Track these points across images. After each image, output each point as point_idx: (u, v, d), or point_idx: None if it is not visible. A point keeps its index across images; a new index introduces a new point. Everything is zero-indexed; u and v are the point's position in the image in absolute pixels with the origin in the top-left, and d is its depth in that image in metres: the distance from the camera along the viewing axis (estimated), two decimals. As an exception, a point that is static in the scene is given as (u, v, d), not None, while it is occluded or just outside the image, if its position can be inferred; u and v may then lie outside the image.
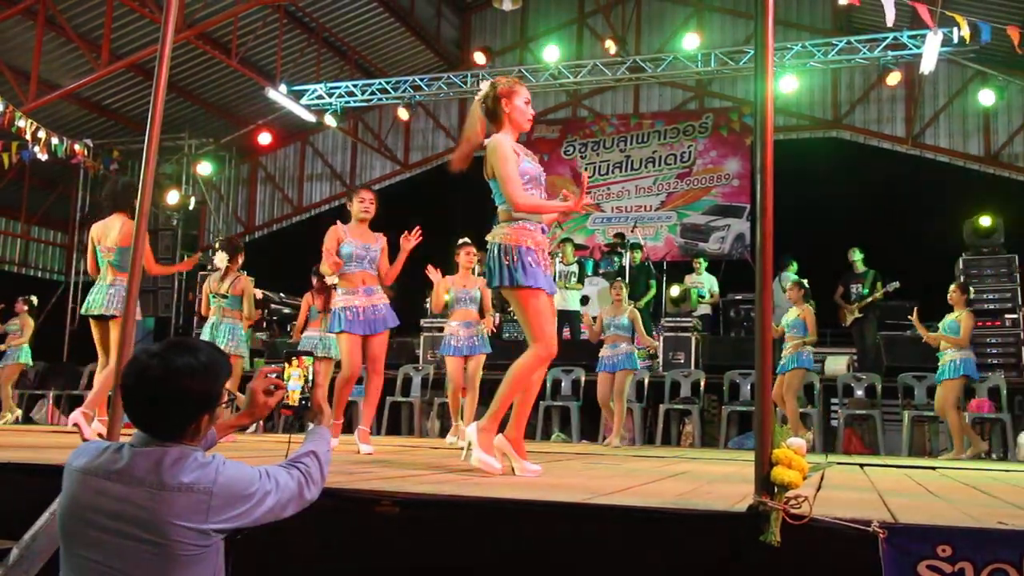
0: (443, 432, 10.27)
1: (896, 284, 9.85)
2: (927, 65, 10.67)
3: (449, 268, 7.34)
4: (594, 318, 8.62)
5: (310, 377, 2.46)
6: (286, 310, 12.95)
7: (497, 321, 11.45)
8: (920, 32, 10.70)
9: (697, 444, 9.34)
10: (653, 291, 11.49)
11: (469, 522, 2.47)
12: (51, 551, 2.51)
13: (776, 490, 2.16)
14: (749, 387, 9.40)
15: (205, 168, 15.35)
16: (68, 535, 1.96)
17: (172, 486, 1.90)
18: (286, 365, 2.46)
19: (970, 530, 2.07)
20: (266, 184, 17.61)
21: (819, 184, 12.47)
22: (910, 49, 11.28)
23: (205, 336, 6.96)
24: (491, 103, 3.79)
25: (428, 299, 11.79)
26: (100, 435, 5.37)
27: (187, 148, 15.31)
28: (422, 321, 11.26)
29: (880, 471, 5.07)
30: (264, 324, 12.27)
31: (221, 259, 7.23)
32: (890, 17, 6.75)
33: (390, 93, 13.84)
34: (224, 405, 2.11)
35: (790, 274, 10.89)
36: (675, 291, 11.56)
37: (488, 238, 3.79)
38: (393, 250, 5.66)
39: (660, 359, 10.58)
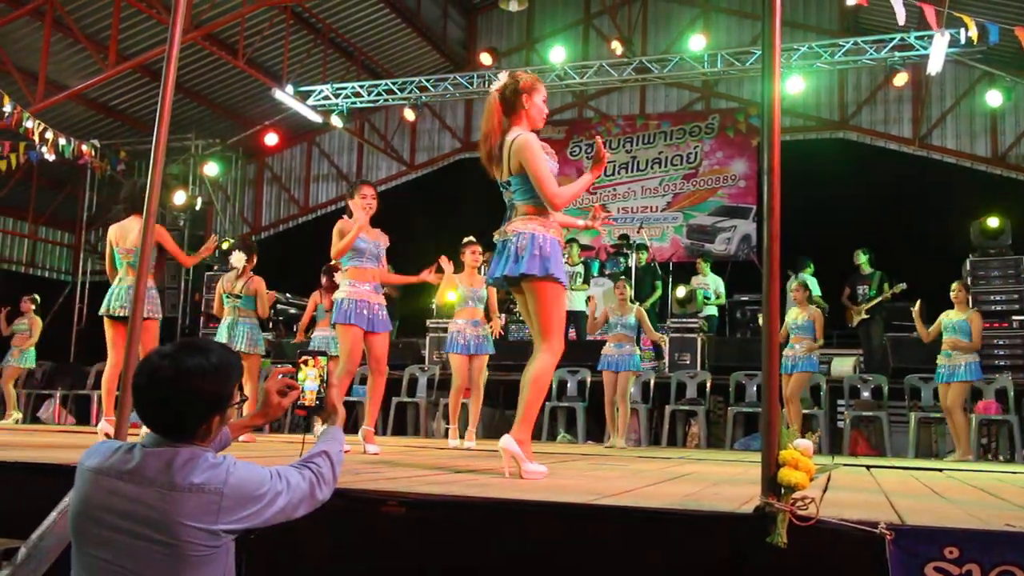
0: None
1: (903, 285, 9.82)
2: (934, 66, 10.65)
3: (455, 268, 7.34)
4: (595, 316, 8.57)
5: (325, 377, 2.46)
6: (292, 310, 12.97)
7: (503, 322, 11.47)
8: (927, 33, 10.68)
9: (703, 445, 9.33)
10: (659, 292, 11.48)
11: (475, 523, 2.47)
12: (59, 550, 2.51)
13: (783, 491, 2.16)
14: (755, 388, 9.39)
15: (212, 169, 15.39)
16: (79, 534, 1.97)
17: (183, 486, 1.90)
18: (301, 365, 2.46)
19: (977, 532, 2.06)
20: (272, 185, 17.64)
21: (826, 185, 12.44)
22: (917, 50, 11.25)
23: (221, 336, 6.98)
24: (511, 95, 3.77)
25: (434, 299, 11.83)
26: (107, 435, 5.41)
27: (194, 149, 15.35)
28: (428, 322, 11.28)
29: (887, 473, 5.06)
30: (271, 324, 12.29)
31: (239, 259, 7.23)
32: (901, 17, 6.73)
33: (396, 94, 13.85)
34: (235, 405, 2.11)
35: (806, 275, 10.90)
36: (681, 292, 11.55)
37: (511, 229, 3.72)
38: (397, 253, 5.68)
39: (666, 360, 10.57)
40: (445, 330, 10.81)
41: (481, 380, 7.11)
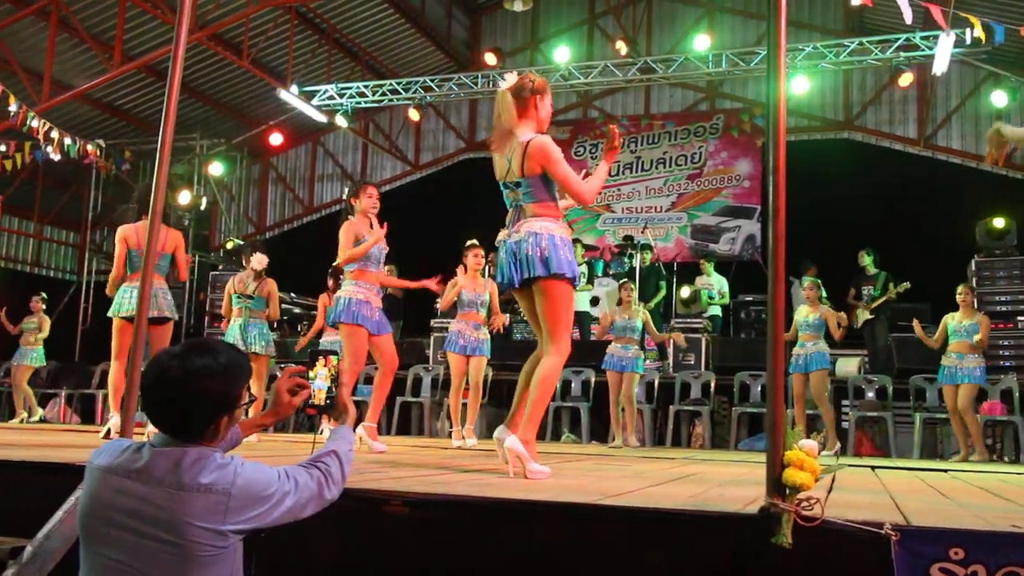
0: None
1: (907, 285, 9.81)
2: (939, 66, 10.63)
3: (456, 266, 7.36)
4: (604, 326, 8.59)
5: (336, 376, 2.46)
6: (296, 310, 13.00)
7: (507, 322, 11.48)
8: (932, 33, 10.66)
9: (707, 446, 9.33)
10: (663, 292, 11.48)
11: (479, 523, 2.47)
12: (64, 550, 2.52)
13: (788, 492, 2.15)
14: (760, 388, 9.38)
15: (217, 168, 15.40)
16: (88, 532, 1.97)
17: (191, 487, 1.91)
18: (317, 364, 2.47)
19: (983, 533, 2.06)
20: (277, 184, 17.66)
21: (830, 185, 12.43)
22: (922, 50, 11.23)
23: (233, 337, 6.99)
24: (527, 94, 3.79)
25: (438, 300, 11.83)
26: (111, 429, 5.43)
27: (199, 149, 15.36)
28: (432, 322, 11.29)
29: (891, 473, 5.05)
30: (275, 324, 12.29)
31: (260, 261, 7.24)
32: (907, 16, 6.72)
33: (401, 94, 13.86)
34: (244, 406, 2.11)
35: (809, 279, 10.89)
36: (685, 292, 11.55)
37: (525, 229, 3.70)
38: (401, 254, 5.71)
39: (670, 360, 10.57)
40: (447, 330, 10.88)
41: (479, 380, 7.14)
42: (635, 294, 8.52)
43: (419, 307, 12.03)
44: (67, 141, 11.52)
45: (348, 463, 2.27)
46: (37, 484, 2.96)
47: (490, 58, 13.59)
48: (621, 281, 9.09)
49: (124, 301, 5.84)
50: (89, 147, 12.18)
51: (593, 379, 9.78)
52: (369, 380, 10.07)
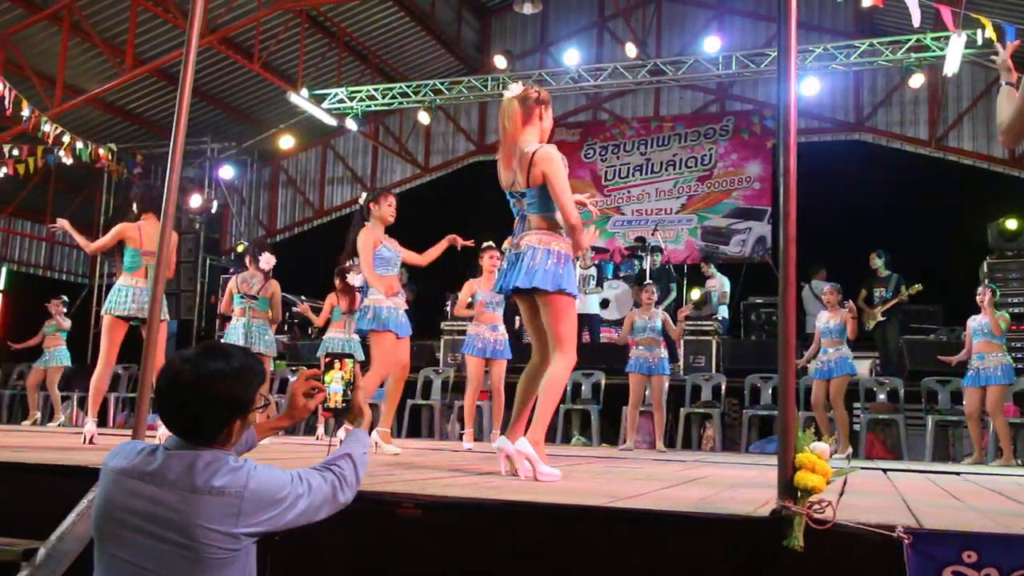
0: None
1: (919, 287, 9.76)
2: (950, 67, 10.59)
3: (468, 271, 7.37)
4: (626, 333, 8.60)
5: (352, 379, 2.46)
6: (307, 313, 13.00)
7: (517, 325, 11.48)
8: (943, 34, 10.62)
9: (718, 448, 9.30)
10: (674, 294, 11.46)
11: (490, 525, 2.48)
12: (78, 552, 2.53)
13: (799, 495, 2.15)
14: (771, 391, 9.35)
15: (227, 172, 15.46)
16: (101, 533, 1.98)
17: (203, 489, 1.91)
18: (334, 368, 2.47)
19: (996, 536, 2.05)
20: (287, 187, 17.72)
21: (841, 187, 12.38)
22: (933, 51, 11.19)
23: (236, 336, 7.01)
24: (532, 104, 3.83)
25: (448, 302, 11.85)
26: (92, 438, 5.39)
27: (210, 152, 15.42)
28: (442, 324, 11.30)
29: (904, 476, 5.03)
30: (286, 327, 12.33)
31: (269, 260, 7.27)
32: (916, 19, 6.69)
33: (411, 97, 13.88)
34: (259, 409, 2.12)
35: (821, 282, 10.88)
36: (696, 294, 11.53)
37: (525, 242, 3.78)
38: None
39: (681, 362, 10.55)
40: (460, 332, 10.89)
41: (500, 384, 7.12)
42: (656, 295, 8.53)
43: (429, 310, 12.04)
44: (79, 145, 11.57)
45: (362, 466, 2.27)
46: (50, 486, 2.98)
47: (500, 61, 13.60)
48: (645, 283, 9.10)
49: (119, 299, 5.67)
50: (101, 151, 12.23)
51: (603, 382, 9.76)
52: (380, 384, 10.09)
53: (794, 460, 2.21)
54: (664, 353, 8.37)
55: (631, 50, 12.56)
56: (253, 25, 12.20)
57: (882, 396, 9.20)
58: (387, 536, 2.51)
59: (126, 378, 11.67)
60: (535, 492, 2.84)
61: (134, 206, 5.96)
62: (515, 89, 3.89)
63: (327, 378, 2.45)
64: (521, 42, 16.09)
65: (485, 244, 7.22)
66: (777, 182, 2.46)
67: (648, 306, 8.43)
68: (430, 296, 11.97)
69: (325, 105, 13.78)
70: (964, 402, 8.06)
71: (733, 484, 3.66)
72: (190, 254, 14.25)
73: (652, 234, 13.06)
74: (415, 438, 9.89)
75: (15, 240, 15.49)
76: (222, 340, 7.74)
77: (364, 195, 5.86)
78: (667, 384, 8.49)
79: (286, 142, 15.15)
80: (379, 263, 5.58)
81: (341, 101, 13.84)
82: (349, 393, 2.45)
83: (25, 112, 10.40)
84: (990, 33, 8.88)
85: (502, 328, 7.20)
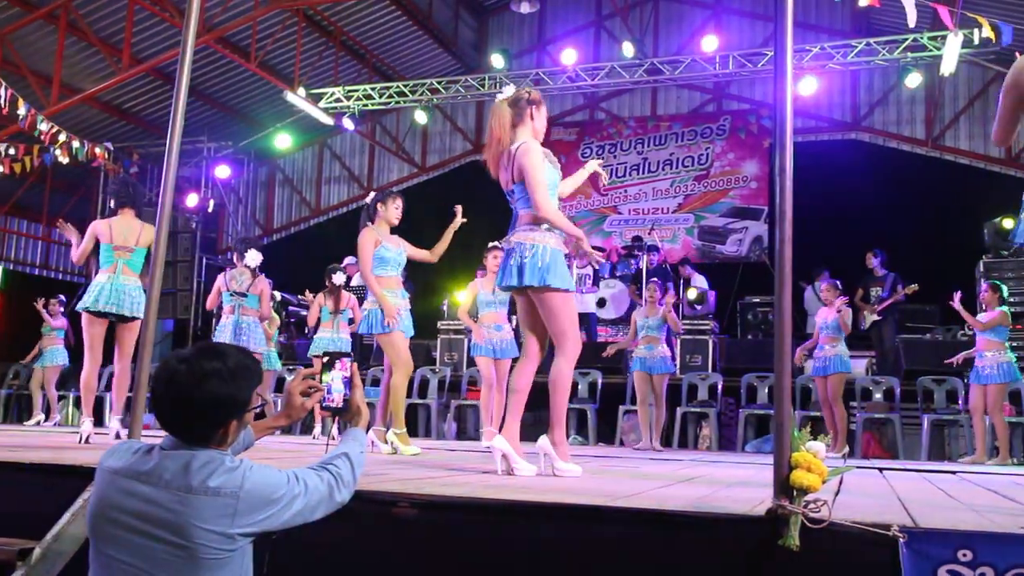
0: (460, 435, 10.31)
1: (915, 286, 9.78)
2: (947, 67, 10.60)
3: (467, 270, 7.39)
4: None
5: (350, 378, 2.46)
6: (304, 312, 13.00)
7: (515, 324, 11.47)
8: (940, 33, 10.63)
9: (714, 447, 9.31)
10: (670, 293, 11.46)
11: (487, 524, 2.48)
12: (73, 551, 2.53)
13: (795, 494, 2.15)
14: (767, 390, 9.36)
15: (224, 171, 15.44)
16: (96, 533, 1.98)
17: (199, 490, 1.91)
18: (333, 367, 2.47)
19: (991, 535, 2.05)
20: (284, 187, 17.70)
21: (838, 186, 12.41)
22: (930, 51, 11.20)
23: (225, 333, 7.02)
24: (522, 105, 3.88)
25: (445, 302, 11.86)
26: (88, 437, 5.38)
27: (206, 151, 15.39)
28: (439, 324, 11.30)
29: (899, 475, 5.04)
30: (281, 326, 12.31)
31: (255, 257, 7.28)
32: (912, 18, 6.71)
33: (408, 96, 13.87)
34: (254, 410, 2.11)
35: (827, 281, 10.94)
36: (692, 294, 11.53)
37: (514, 239, 3.84)
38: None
39: (677, 362, 10.56)
40: (457, 332, 10.91)
41: (505, 383, 7.14)
42: (658, 295, 8.55)
43: (426, 309, 12.04)
44: (75, 144, 11.55)
45: (360, 466, 2.27)
46: (46, 486, 2.97)
47: (497, 60, 13.59)
48: (648, 282, 9.13)
49: (90, 295, 5.58)
50: (97, 150, 12.22)
51: (600, 381, 9.77)
52: (376, 383, 10.10)
53: (790, 459, 2.22)
54: (665, 351, 8.39)
55: (628, 49, 12.56)
56: (250, 24, 12.19)
57: (878, 395, 9.22)
58: (383, 536, 2.51)
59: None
60: (532, 491, 2.84)
61: (111, 202, 5.90)
62: (507, 92, 3.95)
63: (325, 377, 2.45)
64: (518, 41, 16.08)
65: (490, 245, 7.25)
66: (774, 181, 2.47)
67: (652, 304, 8.45)
68: (427, 296, 11.97)
69: (322, 104, 13.76)
70: (970, 400, 8.03)
71: (729, 483, 3.67)
72: (186, 253, 14.21)
73: (649, 233, 13.07)
74: (412, 437, 9.88)
75: (11, 239, 15.45)
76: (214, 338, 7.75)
77: (372, 195, 5.88)
78: (667, 381, 8.49)
79: (283, 141, 15.14)
80: (377, 263, 5.59)
81: (338, 100, 13.82)
82: (347, 392, 2.45)
83: (21, 111, 10.38)
84: (987, 32, 8.91)
85: (506, 327, 7.22)
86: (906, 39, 11.35)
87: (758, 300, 12.02)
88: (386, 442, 5.49)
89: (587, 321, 11.09)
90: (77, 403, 11.87)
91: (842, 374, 8.18)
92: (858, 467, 5.51)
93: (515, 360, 7.24)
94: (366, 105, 13.99)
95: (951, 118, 13.76)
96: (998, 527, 2.21)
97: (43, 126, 10.77)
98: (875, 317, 10.03)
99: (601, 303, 11.72)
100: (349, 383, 2.45)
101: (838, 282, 8.51)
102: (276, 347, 9.42)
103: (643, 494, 2.92)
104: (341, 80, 14.27)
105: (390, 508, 2.50)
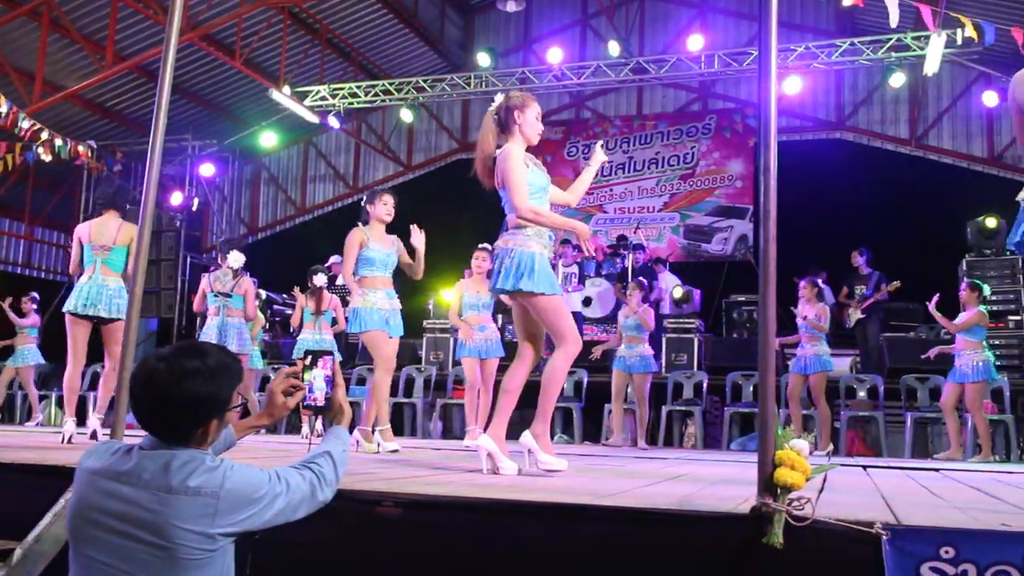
0: (446, 434, 10.30)
1: (897, 284, 9.84)
2: (931, 66, 10.66)
3: (453, 269, 7.39)
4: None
5: (332, 376, 2.45)
6: (289, 311, 12.97)
7: (500, 323, 11.47)
8: (924, 33, 10.69)
9: (699, 445, 9.34)
10: (656, 292, 11.49)
11: (471, 523, 2.47)
12: (54, 552, 2.51)
13: (779, 492, 2.16)
14: (752, 388, 9.40)
15: (208, 169, 15.37)
16: (76, 534, 1.96)
17: (179, 490, 1.90)
18: (315, 366, 2.46)
19: (973, 532, 2.07)
20: (269, 185, 17.64)
21: (823, 185, 12.47)
22: (914, 51, 11.26)
23: (210, 335, 6.99)
24: (504, 114, 3.90)
25: (431, 301, 11.85)
26: (71, 437, 5.36)
27: (191, 149, 15.32)
28: (424, 323, 11.29)
29: (883, 473, 5.06)
30: (267, 326, 12.28)
31: (237, 258, 7.27)
32: (894, 18, 6.75)
33: (393, 94, 13.85)
34: (234, 409, 2.10)
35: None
36: (678, 292, 11.56)
37: (499, 244, 3.88)
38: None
39: (663, 360, 10.59)
40: (443, 331, 10.91)
41: (491, 383, 7.14)
42: (640, 294, 8.55)
43: (412, 308, 12.02)
44: (58, 142, 11.47)
45: (342, 464, 2.26)
46: (27, 486, 2.95)
47: (483, 58, 13.57)
48: (615, 282, 9.15)
49: (72, 297, 5.60)
50: (80, 148, 12.13)
51: (586, 380, 9.78)
52: (361, 382, 10.09)
53: (774, 457, 2.22)
54: (646, 350, 8.42)
55: (614, 48, 12.57)
56: (235, 21, 12.13)
57: (862, 393, 9.26)
58: (368, 535, 2.51)
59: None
60: (517, 490, 2.84)
61: (95, 205, 5.96)
62: (496, 101, 3.97)
63: (307, 376, 2.44)
64: (504, 40, 16.08)
65: (479, 246, 7.25)
66: (758, 180, 2.47)
67: (636, 304, 8.47)
68: (412, 294, 11.94)
69: (307, 102, 13.72)
70: (942, 397, 8.09)
71: (714, 481, 3.68)
72: (171, 252, 14.12)
73: (634, 232, 13.10)
74: (397, 436, 9.87)
75: (-7, 238, 15.35)
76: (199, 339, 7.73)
77: (364, 196, 5.92)
78: (648, 380, 8.50)
79: (268, 140, 15.09)
80: (364, 264, 5.61)
81: (323, 98, 13.78)
82: (329, 391, 2.44)
83: (3, 108, 10.29)
84: (970, 32, 8.97)
85: (490, 327, 7.22)
86: (890, 39, 11.41)
87: (743, 299, 12.06)
88: (371, 441, 5.48)
89: (576, 320, 11.09)
90: (60, 403, 11.79)
91: (823, 373, 8.22)
92: (842, 465, 5.53)
93: (502, 360, 7.31)
94: (351, 103, 13.95)
95: (935, 118, 13.85)
96: (980, 524, 2.23)
97: (25, 124, 10.68)
98: (859, 315, 10.08)
99: (587, 302, 11.73)
100: (331, 382, 2.44)
101: (817, 279, 8.55)
102: (260, 346, 9.39)
103: (628, 492, 2.93)
104: (326, 78, 14.23)
105: (374, 507, 2.49)
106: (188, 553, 1.88)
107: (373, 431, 5.60)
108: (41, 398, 12.01)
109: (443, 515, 2.51)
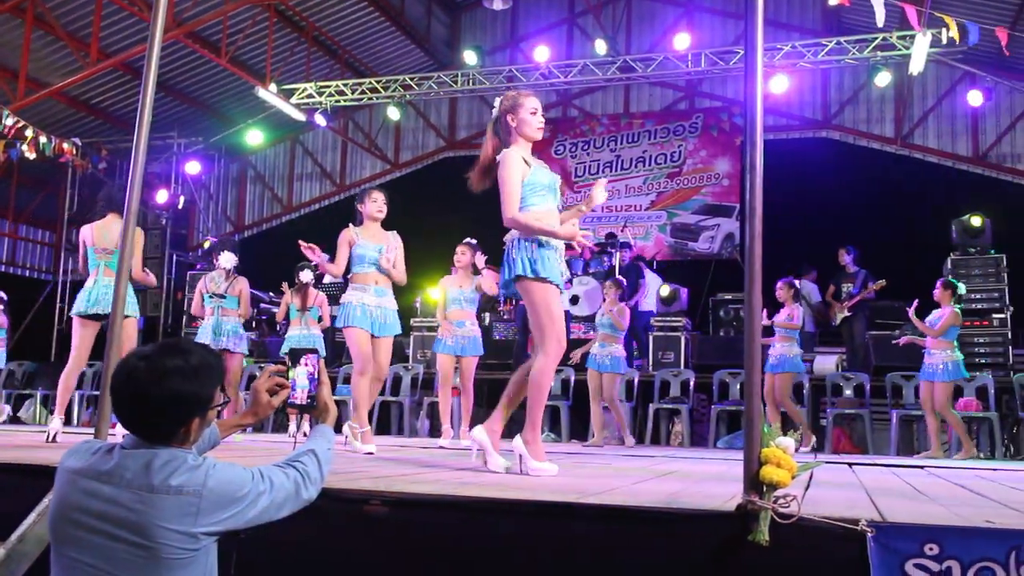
0: (433, 432, 10.27)
1: (882, 282, 9.89)
2: (916, 66, 10.72)
3: (440, 267, 7.38)
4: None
5: (317, 375, 2.45)
6: (275, 309, 12.93)
7: (487, 321, 11.47)
8: (909, 33, 10.74)
9: (686, 443, 9.36)
10: (643, 291, 11.50)
11: (458, 522, 2.47)
12: (38, 552, 2.50)
13: (765, 489, 2.16)
14: (738, 387, 9.42)
15: (194, 167, 15.29)
16: (57, 535, 1.95)
17: (161, 489, 1.88)
18: (299, 364, 2.45)
19: (957, 528, 2.08)
20: (256, 183, 17.57)
21: (809, 184, 12.51)
22: (899, 50, 11.31)
23: (205, 336, 7.00)
24: (499, 124, 3.91)
25: (418, 299, 11.83)
26: (55, 435, 5.38)
27: (176, 147, 15.25)
28: (412, 321, 11.28)
29: (869, 470, 5.09)
30: (253, 324, 12.24)
31: (229, 259, 7.27)
32: (880, 18, 6.78)
33: (380, 92, 13.81)
34: (217, 407, 2.09)
35: (807, 282, 11.15)
36: (665, 291, 11.58)
37: (506, 238, 3.88)
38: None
39: (650, 358, 10.61)
40: (430, 329, 10.89)
41: (467, 381, 7.12)
42: (616, 292, 8.52)
43: (398, 306, 12.00)
44: (42, 139, 11.40)
45: (327, 463, 2.25)
46: (10, 486, 2.93)
47: (470, 56, 13.56)
48: (603, 280, 9.13)
49: (78, 300, 5.77)
50: (65, 145, 12.06)
51: (573, 378, 9.78)
52: (347, 379, 10.05)
53: (760, 455, 2.23)
54: (617, 351, 8.31)
55: (601, 47, 12.58)
56: (220, 19, 12.07)
57: (848, 391, 9.30)
58: (354, 534, 2.50)
59: (90, 375, 11.51)
60: (503, 489, 2.84)
61: (98, 206, 6.06)
62: (494, 111, 3.97)
63: (291, 374, 2.43)
64: (491, 38, 16.06)
65: (464, 240, 7.24)
66: (744, 179, 2.48)
67: (612, 302, 8.43)
68: (399, 293, 11.91)
69: (294, 100, 13.67)
70: (921, 396, 8.14)
71: (701, 479, 3.69)
72: (156, 250, 14.06)
73: (622, 231, 13.11)
74: (384, 435, 9.86)
75: (-23, 236, 15.24)
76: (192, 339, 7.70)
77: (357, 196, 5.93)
78: (620, 381, 8.47)
79: (254, 137, 15.03)
80: (353, 261, 5.63)
81: (310, 96, 13.74)
82: (314, 389, 2.44)
83: (-14, 105, 10.23)
84: (954, 33, 9.01)
85: (469, 324, 7.19)
86: (875, 38, 11.46)
87: (730, 297, 12.08)
88: (357, 439, 5.46)
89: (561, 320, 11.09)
90: (44, 402, 11.73)
91: (789, 374, 8.23)
92: (828, 462, 5.55)
93: (482, 359, 7.33)
94: (338, 101, 13.92)
95: (920, 117, 13.92)
96: (964, 521, 2.24)
97: (9, 120, 10.62)
98: (845, 313, 10.13)
99: (574, 300, 11.73)
100: (314, 380, 2.43)
101: (794, 281, 8.57)
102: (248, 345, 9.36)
103: (614, 491, 2.93)
104: (313, 76, 14.19)
105: (361, 506, 2.49)
106: (171, 552, 1.87)
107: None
108: (25, 397, 11.95)
109: (430, 514, 2.51)
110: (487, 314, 11.67)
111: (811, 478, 3.54)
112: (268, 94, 13.12)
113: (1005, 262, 10.02)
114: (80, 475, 1.95)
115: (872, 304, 10.42)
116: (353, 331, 5.54)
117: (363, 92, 13.83)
